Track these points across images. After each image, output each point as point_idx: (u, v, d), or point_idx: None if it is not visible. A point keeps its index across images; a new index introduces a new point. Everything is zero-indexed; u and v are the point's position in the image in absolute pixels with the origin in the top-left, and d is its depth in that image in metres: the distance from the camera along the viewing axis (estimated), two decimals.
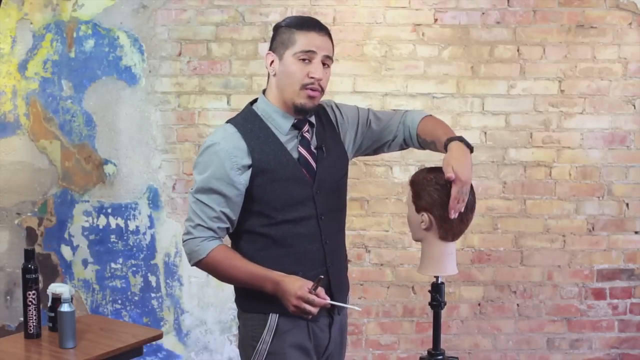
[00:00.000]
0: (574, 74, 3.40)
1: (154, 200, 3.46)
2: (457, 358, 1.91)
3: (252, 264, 1.88)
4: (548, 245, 3.47)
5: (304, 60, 1.87)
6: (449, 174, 1.75)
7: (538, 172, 3.44)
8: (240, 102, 3.37)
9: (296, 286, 1.78)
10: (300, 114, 1.94)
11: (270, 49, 1.94)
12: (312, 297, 1.77)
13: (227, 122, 1.97)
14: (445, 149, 1.85)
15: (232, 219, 1.91)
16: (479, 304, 3.50)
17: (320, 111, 2.06)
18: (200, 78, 3.42)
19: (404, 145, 2.11)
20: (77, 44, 3.40)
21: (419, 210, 1.86)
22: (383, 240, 3.44)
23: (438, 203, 1.81)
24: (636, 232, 3.49)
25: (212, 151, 1.88)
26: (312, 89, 1.88)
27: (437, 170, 1.85)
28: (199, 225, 1.88)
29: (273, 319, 1.93)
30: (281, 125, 1.93)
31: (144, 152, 3.45)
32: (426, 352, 1.89)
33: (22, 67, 3.41)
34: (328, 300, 1.80)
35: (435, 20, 3.39)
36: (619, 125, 3.43)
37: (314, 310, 1.78)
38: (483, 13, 3.39)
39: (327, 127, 2.05)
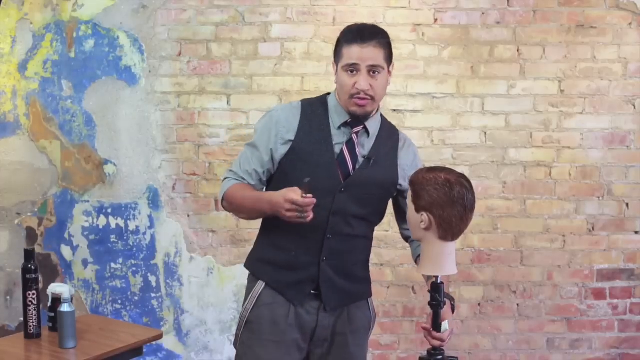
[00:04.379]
0: (574, 74, 3.40)
1: (154, 200, 3.46)
2: (457, 358, 1.91)
3: (258, 191, 2.06)
4: (548, 245, 3.47)
5: (351, 72, 1.98)
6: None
7: (538, 172, 3.44)
8: (240, 102, 3.37)
9: (284, 192, 1.89)
10: (354, 119, 2.04)
11: (334, 57, 2.08)
12: (301, 199, 1.84)
13: (303, 99, 2.15)
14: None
15: (262, 179, 2.09)
16: (479, 304, 3.50)
17: (392, 134, 2.14)
18: (200, 78, 3.42)
19: (403, 229, 2.23)
20: (77, 44, 3.40)
21: (418, 210, 1.86)
22: (383, 240, 3.44)
23: (438, 203, 1.81)
24: (636, 232, 3.49)
25: (269, 115, 2.10)
26: (359, 98, 1.99)
27: (437, 170, 1.85)
28: (231, 170, 2.11)
29: (259, 287, 2.08)
30: (335, 120, 2.06)
31: (144, 152, 3.45)
32: (426, 352, 1.89)
33: (22, 67, 3.41)
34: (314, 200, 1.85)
35: (435, 20, 3.39)
36: (619, 125, 3.43)
37: (307, 209, 1.85)
38: (483, 13, 3.39)
39: (386, 148, 2.11)
